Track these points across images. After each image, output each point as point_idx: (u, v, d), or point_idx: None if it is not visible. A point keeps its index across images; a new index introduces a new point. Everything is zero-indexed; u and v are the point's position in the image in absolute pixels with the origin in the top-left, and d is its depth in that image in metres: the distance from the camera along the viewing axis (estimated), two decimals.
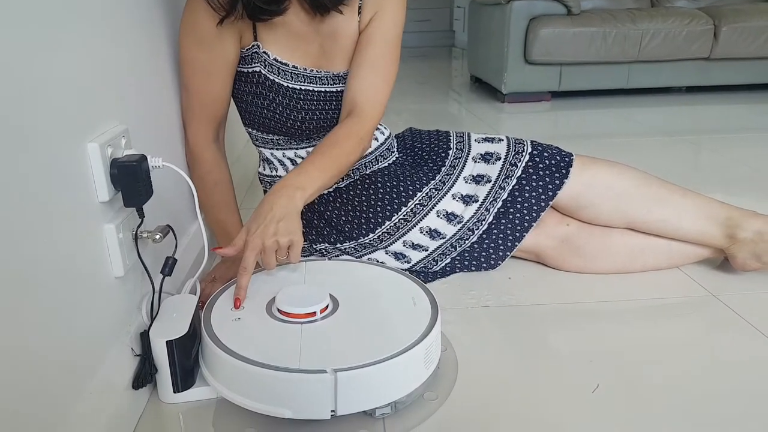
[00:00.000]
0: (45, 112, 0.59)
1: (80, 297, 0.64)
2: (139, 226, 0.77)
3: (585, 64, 2.93)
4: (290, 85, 1.02)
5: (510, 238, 1.10)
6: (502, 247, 1.11)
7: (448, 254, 1.11)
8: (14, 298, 0.52)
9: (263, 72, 1.01)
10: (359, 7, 1.01)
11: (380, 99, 1.03)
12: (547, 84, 2.98)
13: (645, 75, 2.99)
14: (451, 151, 1.15)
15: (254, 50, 0.99)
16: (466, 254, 1.12)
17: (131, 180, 0.72)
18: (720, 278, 1.12)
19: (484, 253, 1.12)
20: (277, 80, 1.01)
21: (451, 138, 1.18)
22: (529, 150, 1.11)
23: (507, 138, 1.15)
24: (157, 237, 0.78)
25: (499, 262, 1.12)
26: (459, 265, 1.13)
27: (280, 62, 1.01)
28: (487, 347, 0.92)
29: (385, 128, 1.20)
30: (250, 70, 1.02)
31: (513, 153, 1.11)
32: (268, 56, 1.00)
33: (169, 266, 0.80)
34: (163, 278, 0.80)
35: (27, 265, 0.54)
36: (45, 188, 0.58)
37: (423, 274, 1.12)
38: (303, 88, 1.03)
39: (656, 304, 1.04)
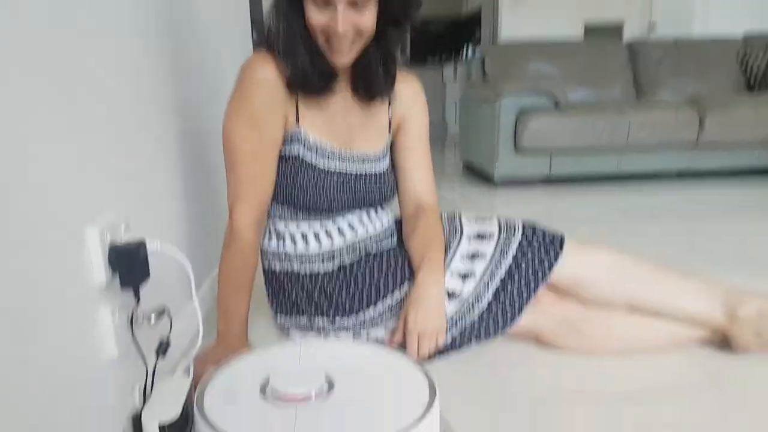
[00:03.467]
0: (45, 197, 0.61)
1: (73, 379, 0.64)
2: (134, 309, 0.77)
3: (575, 152, 3.01)
4: (326, 166, 1.08)
5: (509, 315, 1.09)
6: (501, 322, 1.10)
7: (449, 330, 1.09)
8: (7, 382, 0.51)
9: (302, 154, 1.06)
10: (389, 101, 1.14)
11: (434, 188, 1.24)
12: (538, 171, 3.05)
13: (635, 161, 3.05)
14: (445, 232, 1.17)
15: (296, 133, 1.05)
16: (466, 331, 1.10)
17: (129, 264, 0.74)
18: (719, 360, 1.10)
19: (483, 328, 1.10)
20: (314, 161, 1.07)
21: (444, 220, 1.21)
22: (521, 228, 1.14)
23: (497, 218, 1.18)
24: (152, 319, 0.78)
25: (498, 334, 1.11)
26: (458, 344, 1.11)
27: (319, 145, 1.07)
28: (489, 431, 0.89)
29: (390, 213, 1.26)
30: (287, 153, 1.07)
31: (505, 231, 1.14)
32: (309, 140, 1.06)
33: (163, 349, 0.80)
34: (157, 360, 0.79)
35: (21, 346, 0.54)
36: (42, 271, 0.59)
37: None
38: (337, 169, 1.09)
39: (656, 388, 1.02)
